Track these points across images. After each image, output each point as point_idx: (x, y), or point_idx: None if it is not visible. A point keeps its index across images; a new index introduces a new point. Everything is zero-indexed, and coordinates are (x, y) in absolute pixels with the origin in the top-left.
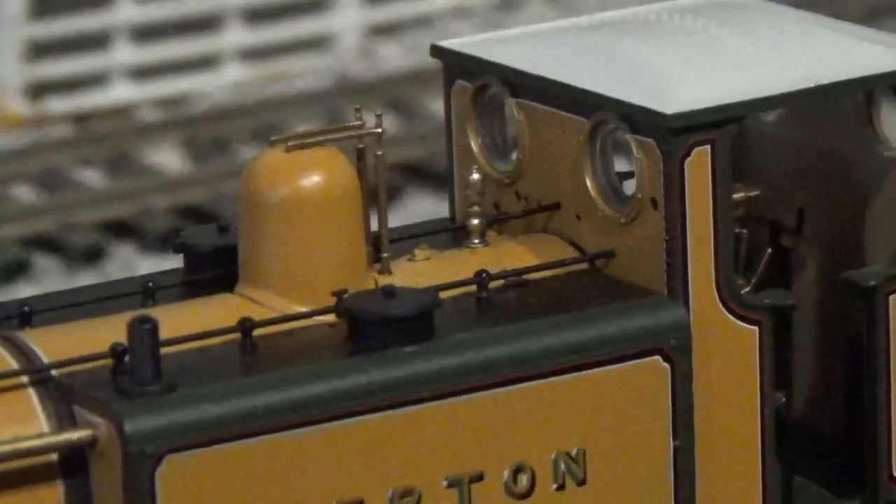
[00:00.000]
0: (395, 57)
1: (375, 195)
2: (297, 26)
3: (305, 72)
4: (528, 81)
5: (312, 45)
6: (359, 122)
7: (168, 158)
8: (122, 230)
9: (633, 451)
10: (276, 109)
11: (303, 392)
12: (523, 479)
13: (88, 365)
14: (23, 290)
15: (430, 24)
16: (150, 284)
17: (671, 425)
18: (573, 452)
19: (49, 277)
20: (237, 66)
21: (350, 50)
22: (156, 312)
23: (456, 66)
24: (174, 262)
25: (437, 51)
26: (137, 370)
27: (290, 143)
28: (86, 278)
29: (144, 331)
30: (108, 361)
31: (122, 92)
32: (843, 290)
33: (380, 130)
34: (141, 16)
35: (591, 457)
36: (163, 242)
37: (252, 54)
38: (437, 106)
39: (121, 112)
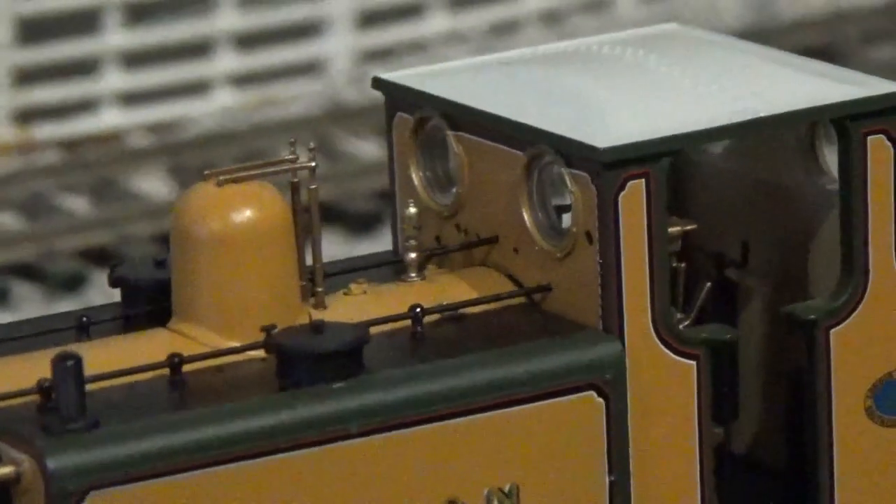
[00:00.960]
0: None
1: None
2: (288, 51)
3: (297, 97)
4: (467, 114)
5: (304, 70)
6: (293, 156)
7: (155, 185)
8: (103, 257)
9: (568, 486)
10: (267, 135)
11: (229, 428)
12: None
13: (15, 401)
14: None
15: (423, 49)
16: (85, 319)
17: (606, 460)
18: (506, 488)
19: (28, 306)
20: (228, 91)
21: (342, 75)
22: (86, 348)
23: (397, 98)
24: None
25: (378, 83)
26: (61, 407)
27: (221, 178)
28: (65, 306)
29: (68, 367)
30: (35, 398)
31: (110, 118)
32: (785, 323)
33: (313, 164)
34: (130, 41)
35: (525, 492)
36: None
37: (243, 79)
38: None
39: (109, 138)
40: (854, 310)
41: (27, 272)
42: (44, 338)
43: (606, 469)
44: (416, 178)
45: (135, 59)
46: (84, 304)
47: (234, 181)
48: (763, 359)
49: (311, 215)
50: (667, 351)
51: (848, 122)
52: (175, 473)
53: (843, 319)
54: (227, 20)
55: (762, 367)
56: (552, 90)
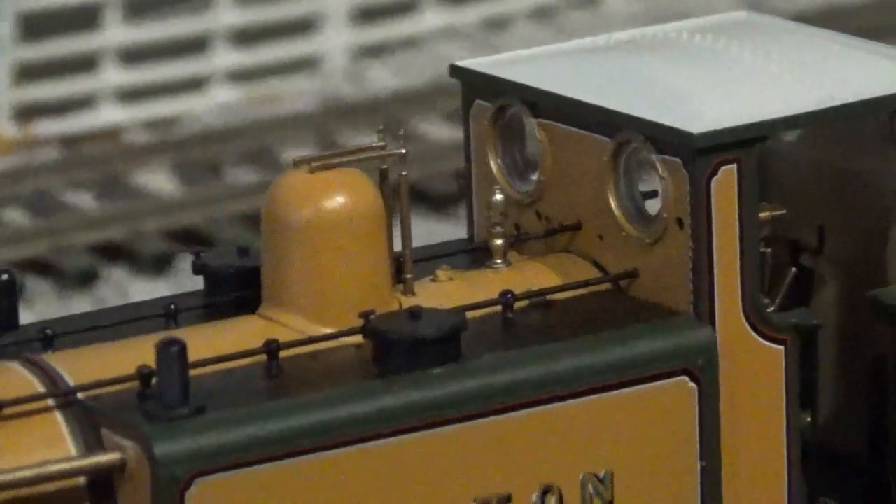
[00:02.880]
0: (383, 78)
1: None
2: (285, 47)
3: (294, 93)
4: (551, 101)
5: (301, 66)
6: (382, 143)
7: (159, 181)
8: (114, 253)
9: (661, 472)
10: (267, 131)
11: (331, 415)
12: (552, 501)
13: (114, 388)
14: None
15: (417, 45)
16: (172, 307)
17: (698, 446)
18: (601, 474)
19: (42, 301)
20: (226, 87)
21: (338, 71)
22: (180, 335)
23: (475, 86)
24: (167, 285)
25: (456, 71)
26: (165, 393)
27: (313, 164)
28: (79, 301)
29: (172, 353)
30: (134, 384)
31: (110, 114)
32: (870, 309)
33: (403, 151)
34: (129, 38)
35: (619, 478)
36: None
37: (240, 76)
38: (427, 128)
39: (109, 135)
40: None
41: (39, 268)
42: (132, 326)
43: (698, 454)
44: (494, 165)
45: (134, 56)
46: (97, 299)
47: (326, 168)
48: (837, 346)
49: (401, 201)
50: (756, 336)
51: None
52: (280, 459)
53: None
54: (225, 16)
55: (837, 354)
56: (634, 76)
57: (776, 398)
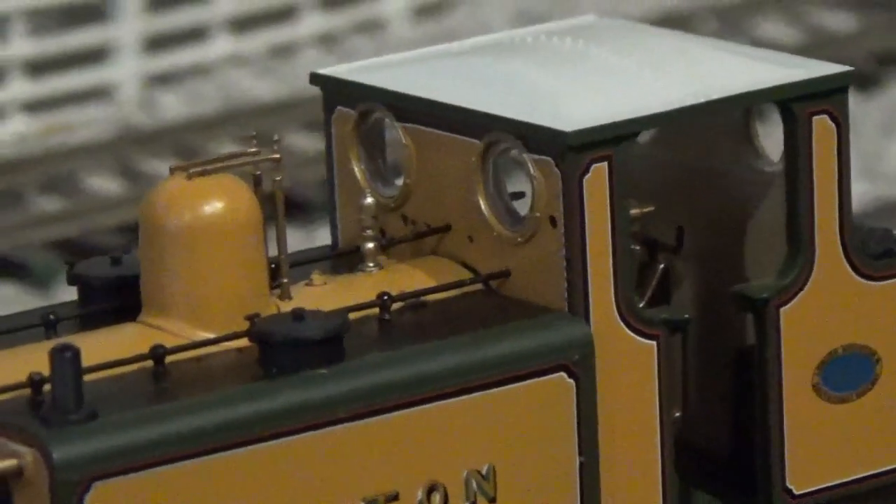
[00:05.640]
0: (175, 106)
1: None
2: (78, 77)
3: (89, 122)
4: (416, 105)
5: (94, 95)
6: (256, 149)
7: None
8: None
9: (542, 467)
10: (66, 160)
11: (225, 416)
12: (437, 498)
13: (4, 395)
14: None
15: (206, 73)
16: (52, 316)
17: (576, 441)
18: (484, 470)
19: None
20: (20, 118)
21: (130, 100)
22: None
23: (337, 92)
24: None
25: (316, 78)
26: (60, 398)
27: (191, 171)
28: None
29: (66, 359)
30: (25, 391)
31: None
32: (731, 305)
33: (278, 156)
34: None
35: (501, 474)
36: None
37: (35, 106)
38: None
39: None
40: (802, 288)
41: None
42: (11, 336)
43: (577, 449)
44: (358, 171)
45: None
46: None
47: (202, 174)
48: (697, 342)
49: (276, 206)
50: (629, 332)
51: (794, 103)
52: (175, 462)
53: (792, 298)
54: (18, 47)
55: (697, 351)
56: (498, 79)
57: (649, 392)
